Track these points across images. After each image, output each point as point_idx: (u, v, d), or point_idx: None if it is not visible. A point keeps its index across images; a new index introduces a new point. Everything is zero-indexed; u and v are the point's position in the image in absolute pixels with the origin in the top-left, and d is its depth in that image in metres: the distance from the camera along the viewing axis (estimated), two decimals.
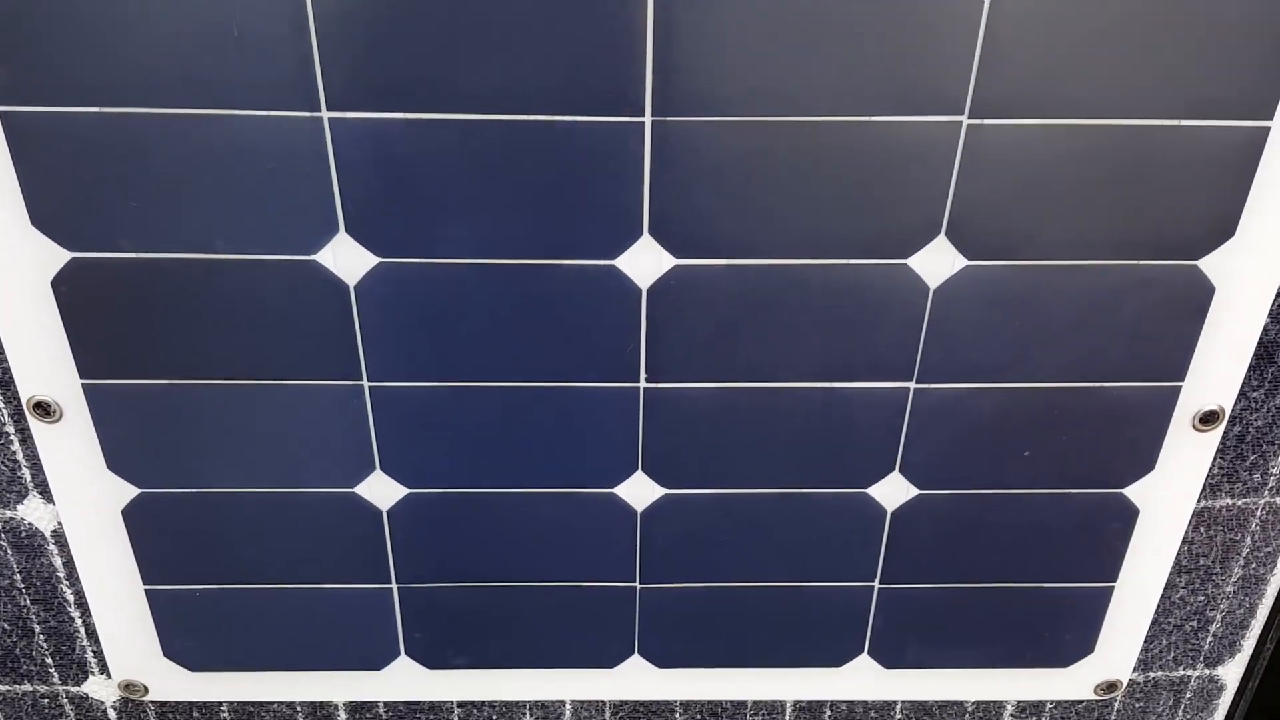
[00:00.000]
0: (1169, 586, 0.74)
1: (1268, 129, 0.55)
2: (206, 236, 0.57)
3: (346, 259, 0.58)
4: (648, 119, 0.55)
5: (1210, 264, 0.60)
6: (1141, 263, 0.59)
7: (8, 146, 0.54)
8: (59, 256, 0.58)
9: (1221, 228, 0.58)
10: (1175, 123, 0.55)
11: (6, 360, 0.61)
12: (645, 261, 0.59)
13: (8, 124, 0.54)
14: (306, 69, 0.53)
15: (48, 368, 0.61)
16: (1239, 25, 0.53)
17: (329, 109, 0.54)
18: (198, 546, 0.69)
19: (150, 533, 0.68)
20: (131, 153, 0.55)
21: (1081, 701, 0.80)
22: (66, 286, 0.58)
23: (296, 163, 0.55)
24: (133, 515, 0.67)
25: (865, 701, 0.79)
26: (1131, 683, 0.79)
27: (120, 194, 0.56)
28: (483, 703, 0.78)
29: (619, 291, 0.60)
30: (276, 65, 0.53)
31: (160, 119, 0.54)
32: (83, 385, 0.62)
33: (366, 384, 0.63)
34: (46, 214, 0.56)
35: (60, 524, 0.68)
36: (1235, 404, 0.65)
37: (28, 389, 0.62)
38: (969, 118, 0.55)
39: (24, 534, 0.68)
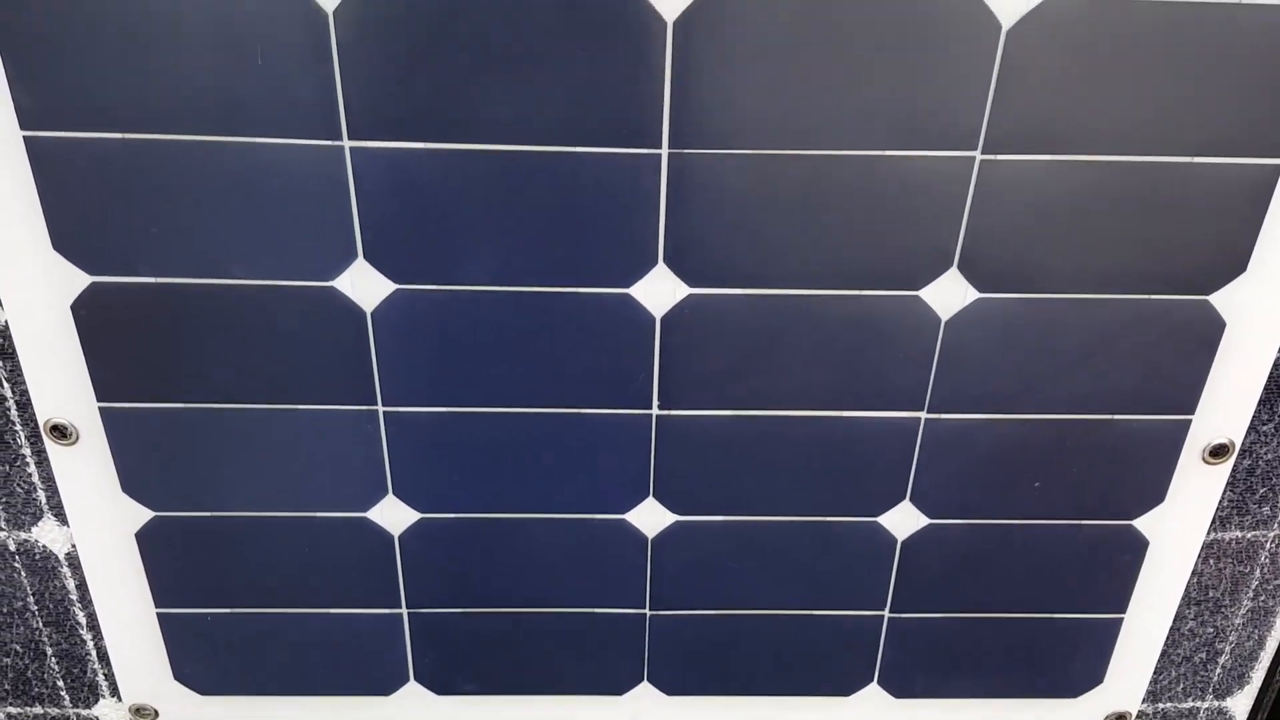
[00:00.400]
0: (1178, 618, 0.73)
1: (1279, 167, 0.55)
2: (226, 262, 0.58)
3: (364, 285, 0.59)
4: (664, 151, 0.55)
5: (1221, 299, 0.60)
6: (1153, 297, 0.59)
7: (32, 171, 0.54)
8: (79, 280, 0.58)
9: (1233, 263, 0.59)
10: (1187, 159, 0.55)
11: (25, 383, 0.61)
12: (659, 290, 0.59)
13: (32, 149, 0.54)
14: (329, 98, 0.53)
15: (65, 391, 0.61)
16: (1251, 63, 0.53)
17: (350, 138, 0.54)
18: (210, 570, 0.68)
19: (163, 556, 0.68)
20: (154, 178, 0.55)
21: None
22: (86, 310, 0.59)
23: (317, 190, 0.56)
24: (146, 538, 0.67)
25: None
26: (1140, 714, 0.79)
27: (142, 219, 0.56)
28: None
29: (633, 319, 0.60)
30: (299, 94, 0.53)
31: (183, 145, 0.54)
32: (100, 408, 0.62)
33: (381, 409, 0.63)
34: (68, 238, 0.56)
35: (74, 546, 0.67)
36: (1245, 437, 0.65)
37: (45, 411, 0.62)
38: (982, 153, 0.55)
39: (38, 556, 0.68)
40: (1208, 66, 0.53)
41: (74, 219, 0.56)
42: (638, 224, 0.57)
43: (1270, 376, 0.63)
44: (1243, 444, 0.65)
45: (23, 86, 0.52)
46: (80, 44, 0.51)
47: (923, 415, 0.64)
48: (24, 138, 0.53)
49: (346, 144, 0.54)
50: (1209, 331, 0.61)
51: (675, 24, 0.52)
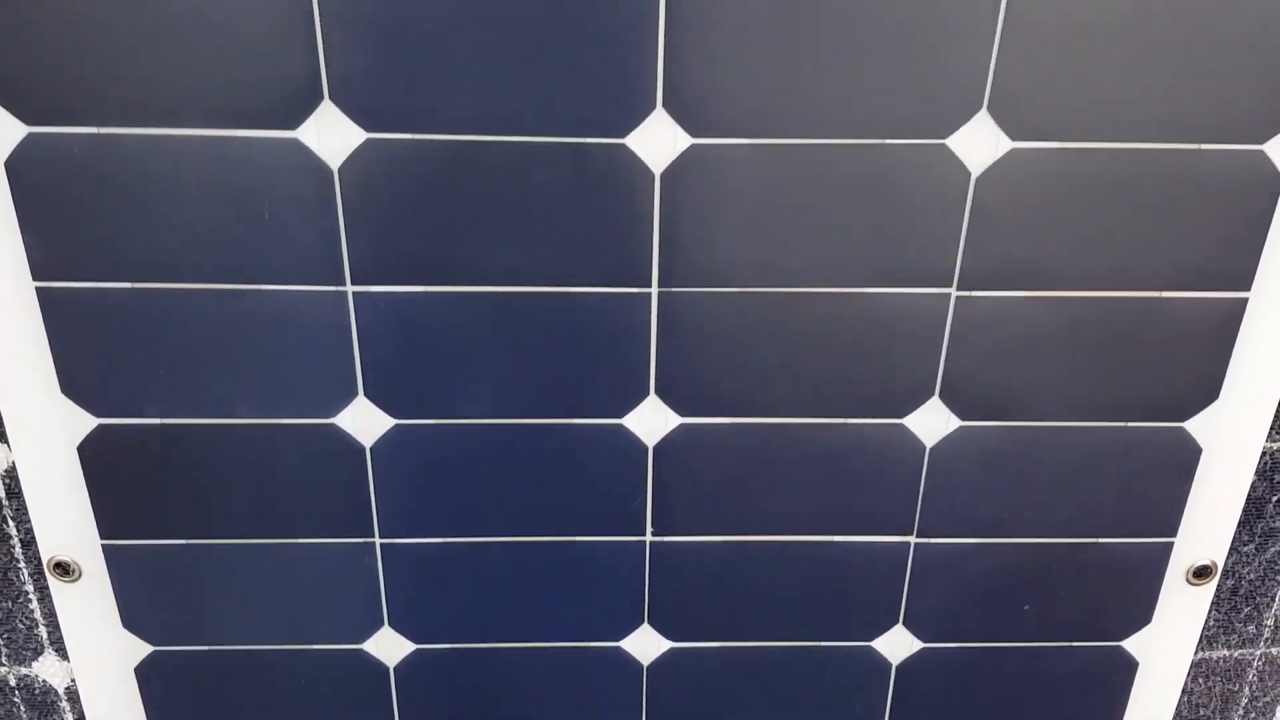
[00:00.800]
0: None
1: (1246, 300, 0.57)
2: (230, 402, 0.59)
3: (364, 421, 0.60)
4: (654, 290, 0.57)
5: (1196, 425, 0.61)
6: (1130, 424, 0.61)
7: (43, 320, 0.56)
8: (86, 423, 0.59)
9: (1206, 391, 0.60)
10: (1156, 294, 0.57)
11: (30, 521, 0.62)
12: (651, 420, 0.61)
13: (44, 299, 0.55)
14: (333, 247, 0.55)
15: (69, 529, 0.62)
16: (1212, 203, 0.55)
17: (353, 283, 0.56)
18: (207, 703, 0.68)
19: (161, 690, 0.67)
20: (162, 325, 0.56)
21: None
22: (92, 451, 0.59)
23: (320, 333, 0.57)
24: (145, 672, 0.67)
25: None
26: None
27: (149, 363, 0.57)
28: None
29: (626, 449, 0.61)
30: (304, 244, 0.55)
31: (190, 294, 0.55)
32: (103, 546, 0.62)
33: (378, 541, 0.63)
34: (77, 382, 0.58)
35: (73, 681, 0.67)
36: (1227, 558, 0.66)
37: (49, 549, 0.62)
38: (957, 289, 0.57)
39: (38, 691, 0.68)
40: (1170, 206, 0.55)
41: (83, 364, 0.57)
42: (630, 358, 0.59)
43: (1248, 498, 0.64)
44: (1225, 565, 0.66)
45: (37, 240, 0.54)
46: (93, 199, 0.53)
47: (912, 540, 0.64)
48: (36, 288, 0.55)
49: (349, 289, 0.56)
50: (1186, 456, 0.62)
51: (662, 176, 0.54)
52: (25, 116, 0.51)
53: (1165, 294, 0.57)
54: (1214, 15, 0.51)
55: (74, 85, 0.50)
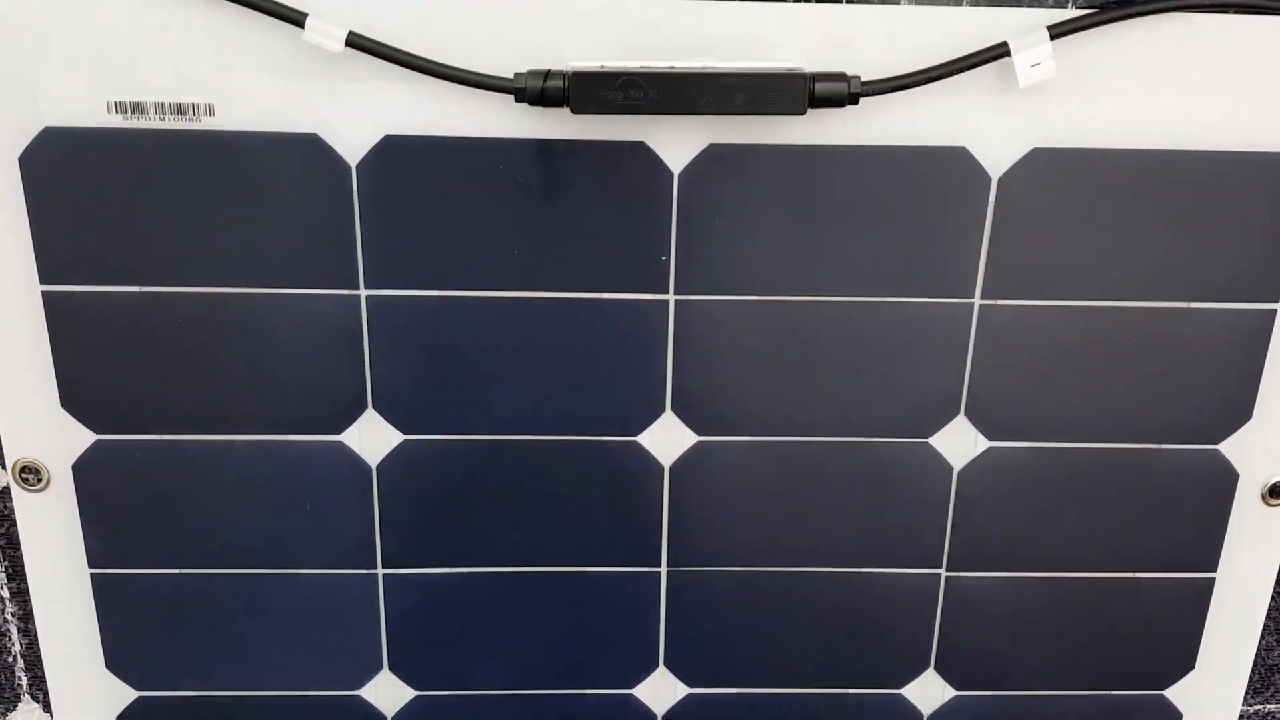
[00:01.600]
0: None
1: (1213, 579, 0.60)
2: (263, 674, 0.60)
3: (387, 693, 0.61)
4: (663, 569, 0.59)
5: (1176, 692, 0.63)
6: (1114, 693, 0.63)
7: (94, 602, 0.58)
8: (127, 695, 0.60)
9: (1183, 661, 0.62)
10: (1132, 575, 0.60)
11: None
12: (661, 690, 0.62)
13: (97, 584, 0.58)
14: (368, 534, 0.58)
15: None
16: (1177, 495, 0.58)
17: (384, 566, 0.58)
18: None
19: None
20: (204, 606, 0.58)
21: None
22: None
23: (350, 611, 0.59)
24: None
25: None
26: None
27: (190, 641, 0.59)
28: None
29: (635, 718, 0.63)
30: (343, 532, 0.57)
31: (235, 578, 0.58)
32: None
33: None
34: (122, 659, 0.59)
35: None
36: None
37: None
38: (947, 570, 0.60)
39: None
40: (1136, 498, 0.58)
41: (129, 642, 0.59)
42: (640, 631, 0.61)
43: None
44: None
45: (96, 533, 0.57)
46: (151, 497, 0.56)
47: None
48: (91, 574, 0.58)
49: (380, 571, 0.59)
50: None
51: (671, 468, 0.57)
52: (93, 425, 0.55)
53: (1139, 575, 0.60)
54: (1167, 330, 0.55)
55: (140, 399, 0.54)
